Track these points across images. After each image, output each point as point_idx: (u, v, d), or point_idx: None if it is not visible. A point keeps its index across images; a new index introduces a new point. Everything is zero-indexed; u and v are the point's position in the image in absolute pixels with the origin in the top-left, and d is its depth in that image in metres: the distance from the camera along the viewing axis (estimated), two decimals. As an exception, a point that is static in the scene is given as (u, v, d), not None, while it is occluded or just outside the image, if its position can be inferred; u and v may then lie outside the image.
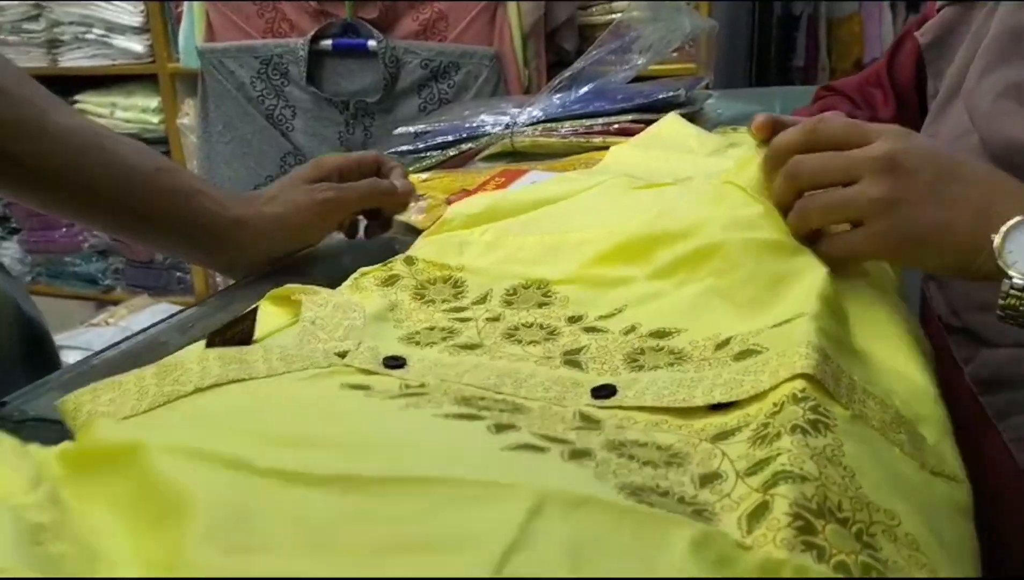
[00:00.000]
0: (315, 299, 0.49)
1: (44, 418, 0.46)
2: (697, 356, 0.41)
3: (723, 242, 0.47)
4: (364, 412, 0.35)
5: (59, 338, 2.03)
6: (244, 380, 0.38)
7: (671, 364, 0.41)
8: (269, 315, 0.50)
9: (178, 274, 2.34)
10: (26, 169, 0.61)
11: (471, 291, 0.53)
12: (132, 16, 2.12)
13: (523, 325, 0.47)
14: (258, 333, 0.47)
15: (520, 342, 0.45)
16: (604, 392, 0.39)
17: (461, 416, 0.34)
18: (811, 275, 0.44)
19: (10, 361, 0.68)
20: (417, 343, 0.46)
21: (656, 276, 0.49)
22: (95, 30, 2.18)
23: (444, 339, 0.46)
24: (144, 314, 2.19)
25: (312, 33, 1.65)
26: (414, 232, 0.71)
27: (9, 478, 0.26)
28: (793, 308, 0.41)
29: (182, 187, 0.66)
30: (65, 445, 0.30)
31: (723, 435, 0.34)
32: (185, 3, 1.93)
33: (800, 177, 0.48)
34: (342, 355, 0.42)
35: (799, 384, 0.34)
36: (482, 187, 0.87)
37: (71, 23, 2.20)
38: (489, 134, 1.12)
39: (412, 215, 0.80)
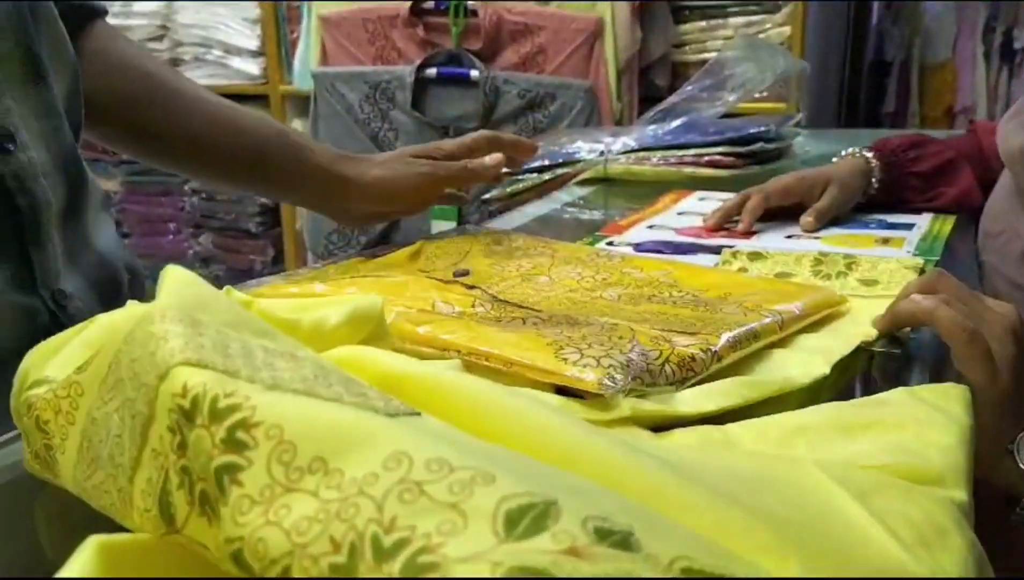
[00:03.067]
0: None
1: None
2: None
3: None
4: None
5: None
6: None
7: None
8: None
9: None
10: (169, 139, 0.74)
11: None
12: (249, 40, 2.26)
13: None
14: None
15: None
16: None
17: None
18: None
19: None
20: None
21: None
22: (214, 51, 2.33)
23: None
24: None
25: (419, 61, 1.76)
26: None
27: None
28: None
29: (298, 149, 0.76)
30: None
31: None
32: (302, 30, 2.06)
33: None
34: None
35: None
36: (655, 208, 0.98)
37: (192, 44, 2.37)
38: (583, 160, 1.19)
39: None
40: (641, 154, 1.16)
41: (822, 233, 0.85)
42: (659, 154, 1.15)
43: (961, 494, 0.35)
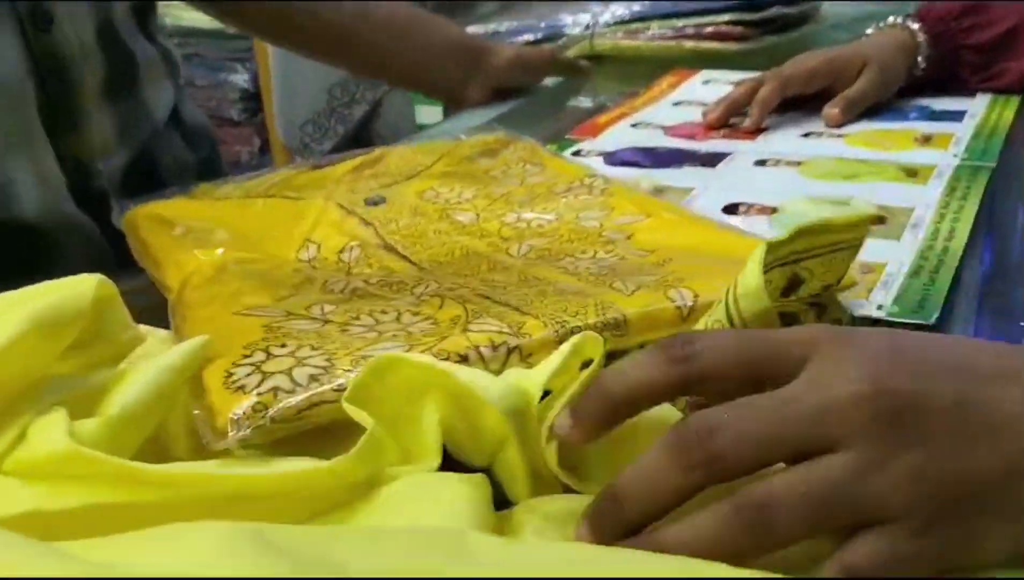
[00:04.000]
0: None
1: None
2: None
3: None
4: None
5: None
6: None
7: None
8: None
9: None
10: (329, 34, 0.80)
11: None
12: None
13: None
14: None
15: None
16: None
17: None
18: None
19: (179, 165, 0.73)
20: None
21: None
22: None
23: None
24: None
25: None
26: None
27: None
28: None
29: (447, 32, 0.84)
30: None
31: None
32: None
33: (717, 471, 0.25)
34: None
35: None
36: (649, 95, 0.82)
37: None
38: (567, 36, 1.01)
39: None
40: (635, 26, 0.97)
41: (848, 129, 0.68)
42: (656, 25, 0.96)
43: None
